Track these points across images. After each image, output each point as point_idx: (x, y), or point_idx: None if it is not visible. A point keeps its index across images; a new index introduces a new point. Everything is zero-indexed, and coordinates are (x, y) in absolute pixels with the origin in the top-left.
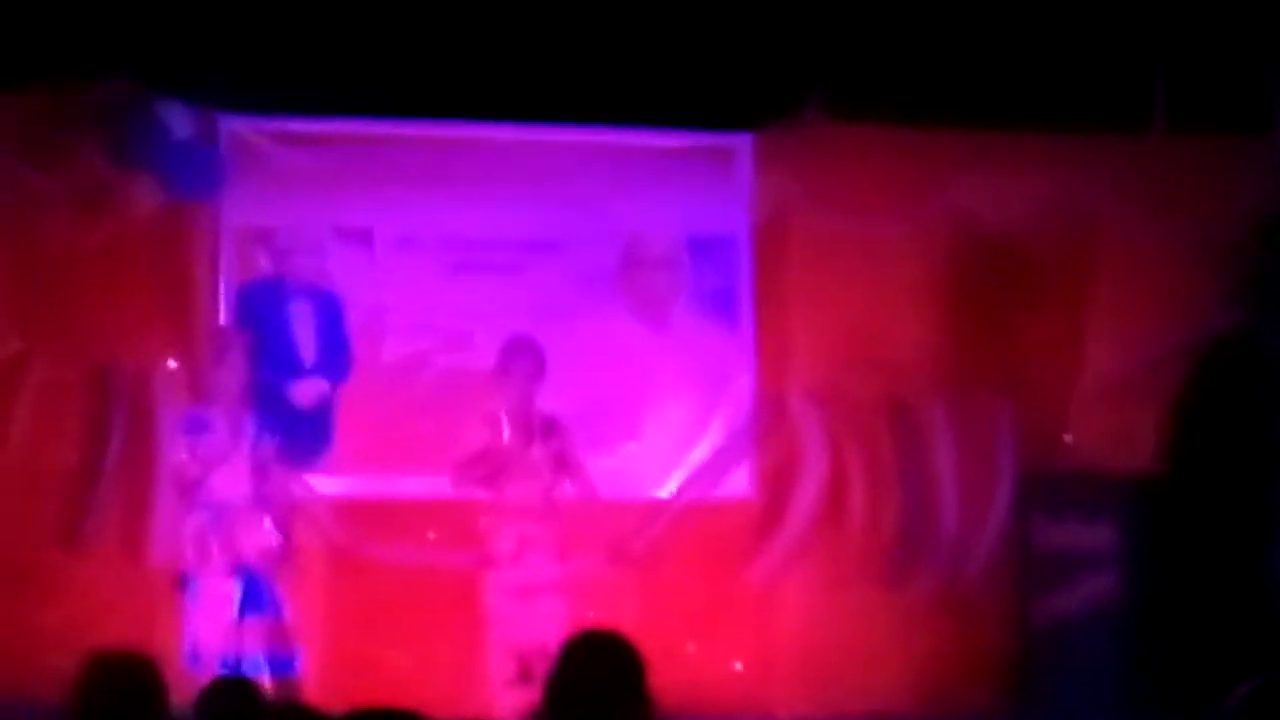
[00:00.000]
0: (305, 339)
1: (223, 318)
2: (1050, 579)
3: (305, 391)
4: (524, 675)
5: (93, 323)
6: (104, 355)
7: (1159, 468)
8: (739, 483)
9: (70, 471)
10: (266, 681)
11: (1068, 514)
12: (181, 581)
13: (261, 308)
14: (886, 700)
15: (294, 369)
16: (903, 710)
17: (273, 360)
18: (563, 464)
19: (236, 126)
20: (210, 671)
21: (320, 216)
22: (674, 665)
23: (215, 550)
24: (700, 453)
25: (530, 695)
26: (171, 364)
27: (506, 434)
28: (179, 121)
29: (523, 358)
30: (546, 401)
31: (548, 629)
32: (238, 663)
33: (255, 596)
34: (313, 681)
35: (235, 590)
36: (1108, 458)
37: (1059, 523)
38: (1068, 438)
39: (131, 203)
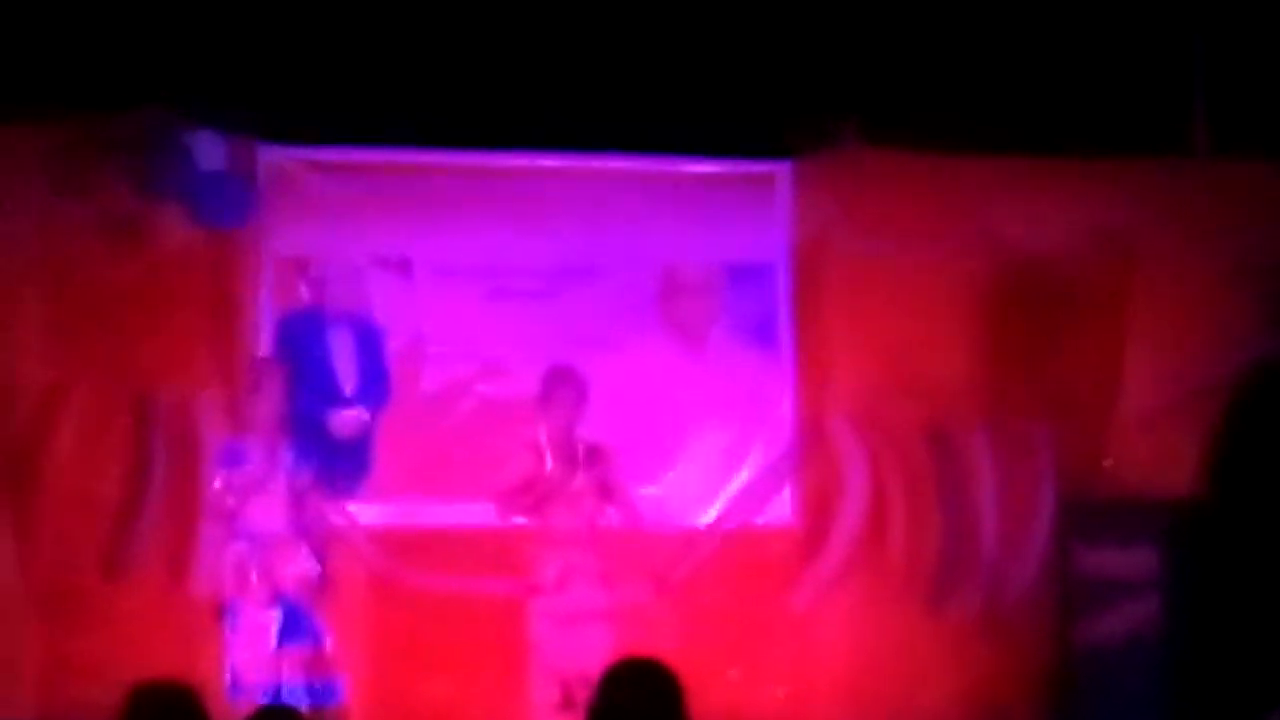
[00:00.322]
0: (345, 368)
1: (262, 347)
2: (1090, 605)
3: (345, 420)
4: (567, 702)
5: (132, 353)
6: (144, 385)
7: (1200, 493)
8: (780, 509)
9: (110, 501)
10: (307, 711)
11: (1107, 540)
12: (221, 611)
13: (301, 337)
14: None
15: (333, 398)
16: None
17: (312, 389)
18: (606, 492)
19: (275, 156)
20: (251, 701)
21: (359, 245)
22: (716, 692)
23: (254, 580)
24: (741, 479)
25: None
26: (212, 393)
27: (549, 463)
28: (207, 152)
29: (565, 386)
30: (587, 429)
31: (591, 656)
32: (278, 692)
33: (294, 626)
34: (355, 710)
35: (274, 620)
36: (1148, 483)
37: (1099, 548)
38: (1108, 463)
39: (161, 233)
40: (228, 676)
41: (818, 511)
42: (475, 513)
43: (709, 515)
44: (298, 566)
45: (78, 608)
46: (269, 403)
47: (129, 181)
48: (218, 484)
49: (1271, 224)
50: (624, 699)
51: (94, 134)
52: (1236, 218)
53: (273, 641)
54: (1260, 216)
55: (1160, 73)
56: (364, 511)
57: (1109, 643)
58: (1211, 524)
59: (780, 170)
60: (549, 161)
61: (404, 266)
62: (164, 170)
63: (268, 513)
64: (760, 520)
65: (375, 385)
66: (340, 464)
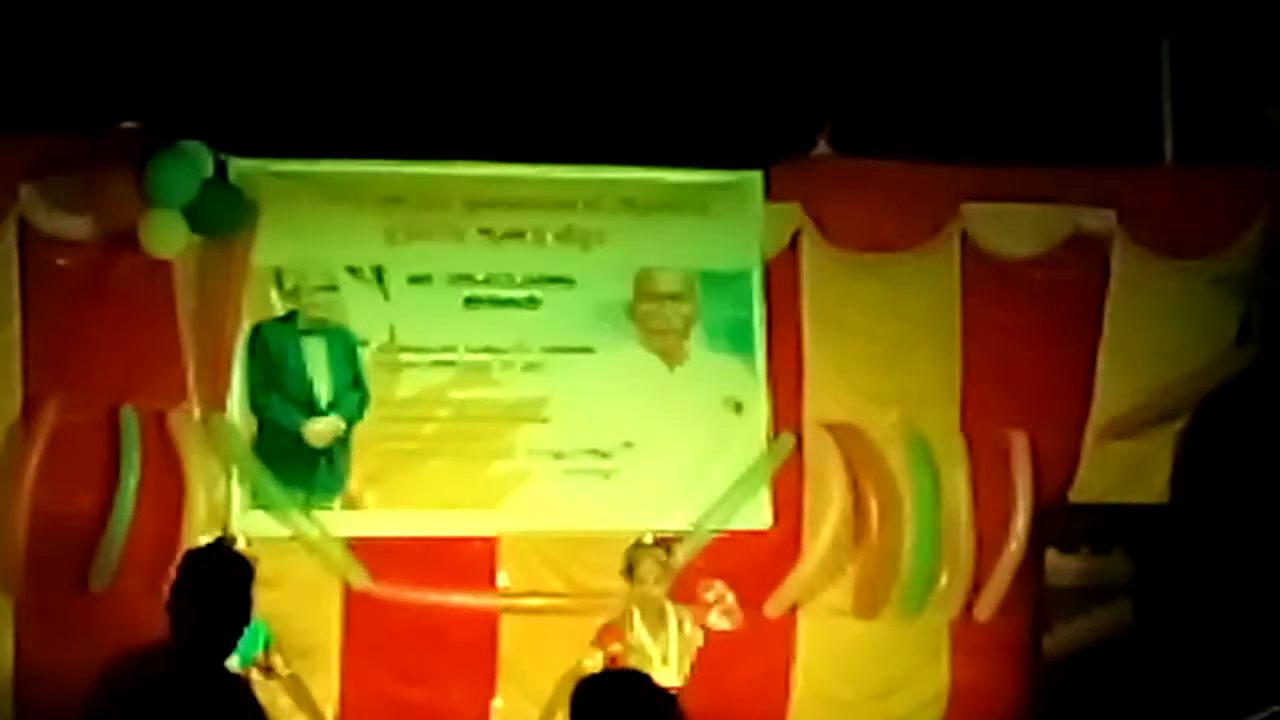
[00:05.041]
0: (319, 377)
1: (237, 357)
2: (1064, 610)
3: (320, 430)
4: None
5: (107, 366)
6: (119, 398)
7: (1171, 499)
8: (755, 515)
9: (88, 515)
10: None
11: (1080, 546)
12: None
13: (275, 347)
14: None
15: (308, 407)
16: None
17: (287, 399)
18: None
19: (246, 168)
20: None
21: (331, 255)
22: (689, 697)
23: None
24: (716, 485)
25: None
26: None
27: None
28: (202, 161)
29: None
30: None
31: (563, 663)
32: None
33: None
34: (332, 717)
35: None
36: (1120, 489)
37: (1072, 554)
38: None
39: (159, 242)
40: None
41: (793, 517)
42: (451, 522)
43: (683, 520)
44: None
45: (56, 620)
46: None
47: (128, 193)
48: None
49: (1239, 231)
50: (602, 710)
51: (91, 146)
52: (1205, 225)
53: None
54: (1228, 224)
55: (1129, 84)
56: (340, 521)
57: (1082, 647)
58: (1182, 528)
59: (753, 179)
60: (524, 171)
61: (377, 275)
62: (164, 180)
63: None
64: (735, 526)
65: (350, 394)
66: (316, 474)
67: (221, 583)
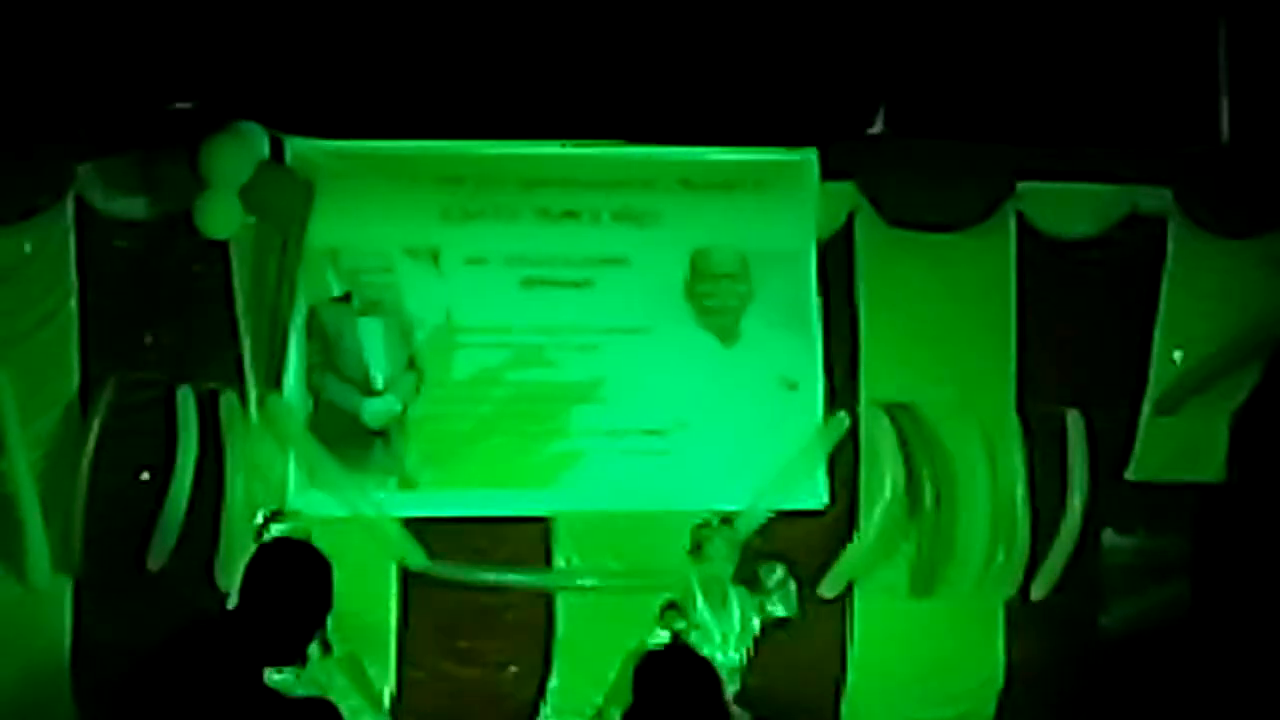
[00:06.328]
0: (375, 358)
1: (293, 337)
2: (1120, 590)
3: (376, 410)
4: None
5: (165, 346)
6: (176, 378)
7: (1228, 478)
8: (811, 494)
9: (143, 496)
10: None
11: (1137, 525)
12: None
13: (332, 328)
14: (959, 710)
15: (365, 388)
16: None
17: (344, 380)
18: None
19: (302, 148)
20: None
21: (387, 236)
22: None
23: None
24: (771, 464)
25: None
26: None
27: None
28: (256, 142)
29: None
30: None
31: (619, 642)
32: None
33: None
34: (388, 696)
35: None
36: (1176, 468)
37: (1128, 533)
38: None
39: (214, 224)
40: None
41: (849, 495)
42: (507, 502)
43: (739, 499)
44: None
45: (114, 601)
46: None
47: (183, 174)
48: None
49: None
50: (660, 688)
51: (146, 127)
52: (1262, 204)
53: None
54: None
55: (1186, 64)
56: (396, 501)
57: (1139, 628)
58: (1239, 510)
59: (809, 157)
60: (580, 150)
61: (432, 256)
62: (218, 162)
63: None
64: (791, 504)
65: (406, 375)
66: (372, 454)
67: (303, 580)
